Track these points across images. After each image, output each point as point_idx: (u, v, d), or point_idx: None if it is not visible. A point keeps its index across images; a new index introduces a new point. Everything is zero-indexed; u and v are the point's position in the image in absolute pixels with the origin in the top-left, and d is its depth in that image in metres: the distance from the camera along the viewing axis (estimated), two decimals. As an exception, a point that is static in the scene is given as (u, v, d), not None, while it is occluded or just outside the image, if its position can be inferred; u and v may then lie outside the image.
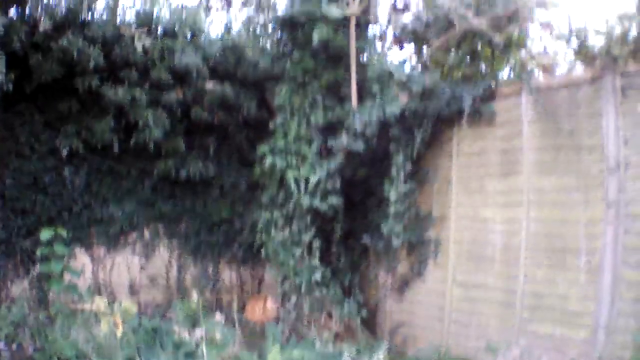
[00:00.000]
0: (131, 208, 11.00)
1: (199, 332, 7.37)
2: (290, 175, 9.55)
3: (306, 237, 9.72)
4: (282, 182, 9.91)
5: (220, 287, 11.91)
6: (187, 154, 10.66)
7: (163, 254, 11.47)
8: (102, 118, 9.69)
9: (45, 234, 8.68)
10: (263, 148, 9.97)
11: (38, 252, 8.83)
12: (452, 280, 9.17)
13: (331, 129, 9.69)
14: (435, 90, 8.98)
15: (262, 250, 10.44)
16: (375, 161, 9.80)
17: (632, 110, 7.18)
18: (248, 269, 12.18)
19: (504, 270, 8.46)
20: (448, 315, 9.21)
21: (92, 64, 8.96)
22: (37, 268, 9.27)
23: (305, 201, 9.42)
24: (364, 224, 10.33)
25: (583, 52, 7.75)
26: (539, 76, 8.48)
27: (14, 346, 7.96)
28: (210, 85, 10.10)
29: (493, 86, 8.85)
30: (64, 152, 9.88)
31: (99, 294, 10.13)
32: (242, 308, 11.09)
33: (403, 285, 9.96)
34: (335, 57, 9.76)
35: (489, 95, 8.80)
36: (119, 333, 6.91)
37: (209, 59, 10.34)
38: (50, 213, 10.19)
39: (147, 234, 11.31)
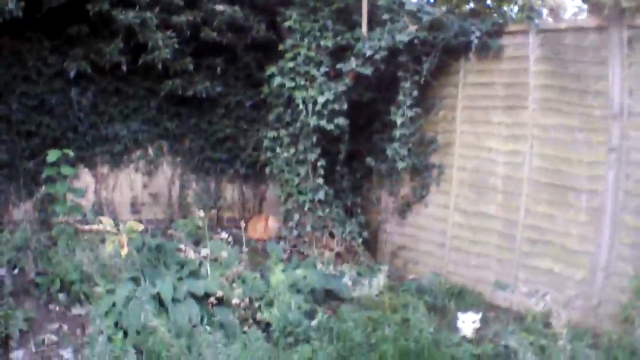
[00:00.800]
0: (136, 127, 11.03)
1: (204, 251, 7.57)
2: (299, 95, 9.65)
3: (311, 156, 9.96)
4: (289, 102, 10.09)
5: (222, 204, 12.16)
6: (194, 74, 10.57)
7: (166, 172, 11.62)
8: (111, 41, 9.53)
9: (52, 156, 8.48)
10: (272, 69, 10.04)
11: (43, 175, 8.73)
12: (454, 206, 9.43)
13: (340, 53, 9.79)
14: (444, 22, 8.96)
15: (267, 168, 10.72)
16: (383, 86, 9.91)
17: (638, 62, 7.25)
18: (250, 187, 12.40)
19: (506, 201, 8.68)
20: (449, 241, 9.51)
21: (104, -11, 8.74)
22: (42, 190, 9.28)
23: (312, 121, 9.55)
24: (369, 147, 10.54)
25: (591, 0, 7.72)
26: (547, 17, 8.48)
27: (15, 271, 8.07)
28: (220, 7, 9.96)
29: (501, 22, 8.84)
30: (72, 74, 9.76)
31: (102, 212, 10.21)
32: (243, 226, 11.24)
33: (405, 209, 10.21)
34: (346, -16, 9.80)
35: (497, 31, 8.81)
36: (124, 253, 6.87)
37: (220, -19, 10.12)
38: (55, 134, 10.22)
39: (151, 151, 11.39)
